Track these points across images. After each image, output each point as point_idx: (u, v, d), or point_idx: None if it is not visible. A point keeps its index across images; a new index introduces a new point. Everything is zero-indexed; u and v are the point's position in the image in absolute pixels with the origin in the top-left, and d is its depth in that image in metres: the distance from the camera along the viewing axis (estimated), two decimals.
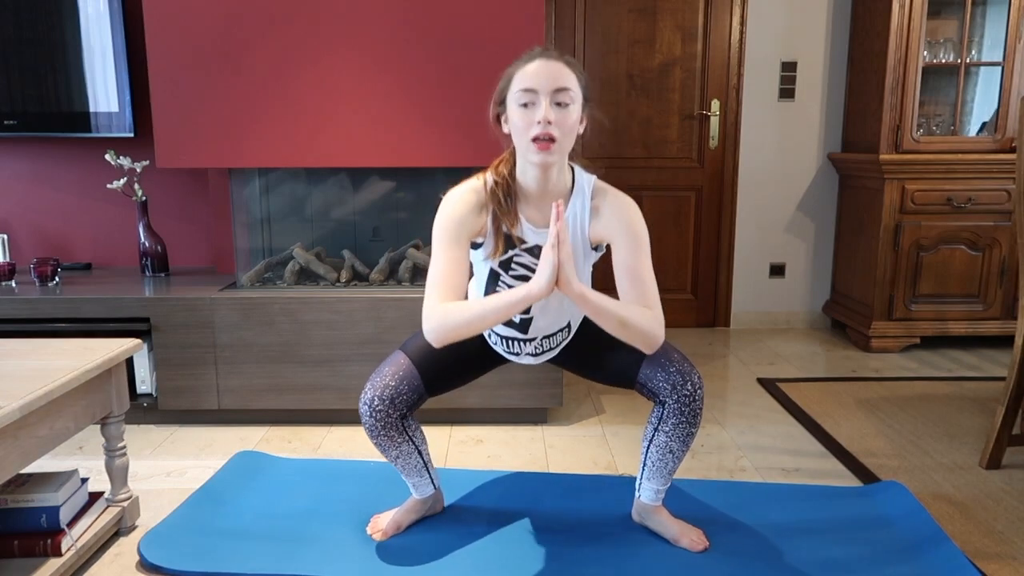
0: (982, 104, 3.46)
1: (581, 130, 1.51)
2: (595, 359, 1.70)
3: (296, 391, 2.45)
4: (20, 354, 1.67)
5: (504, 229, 1.54)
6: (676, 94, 3.68)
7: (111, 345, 1.73)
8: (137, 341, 1.79)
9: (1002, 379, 2.93)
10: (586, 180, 1.56)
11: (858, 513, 1.87)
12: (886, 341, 3.35)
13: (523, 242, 1.55)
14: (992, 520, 1.85)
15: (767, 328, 3.85)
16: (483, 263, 1.59)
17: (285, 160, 2.42)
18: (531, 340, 1.66)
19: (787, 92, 3.64)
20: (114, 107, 2.75)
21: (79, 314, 2.41)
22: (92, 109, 2.75)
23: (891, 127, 3.21)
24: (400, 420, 1.64)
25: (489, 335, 1.71)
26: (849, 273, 3.60)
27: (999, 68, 3.22)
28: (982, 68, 3.39)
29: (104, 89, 2.74)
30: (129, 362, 2.44)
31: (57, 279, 2.62)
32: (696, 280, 3.86)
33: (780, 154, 3.71)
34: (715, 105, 3.67)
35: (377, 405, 1.60)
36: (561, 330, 1.67)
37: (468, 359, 1.72)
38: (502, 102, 1.50)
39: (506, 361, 1.76)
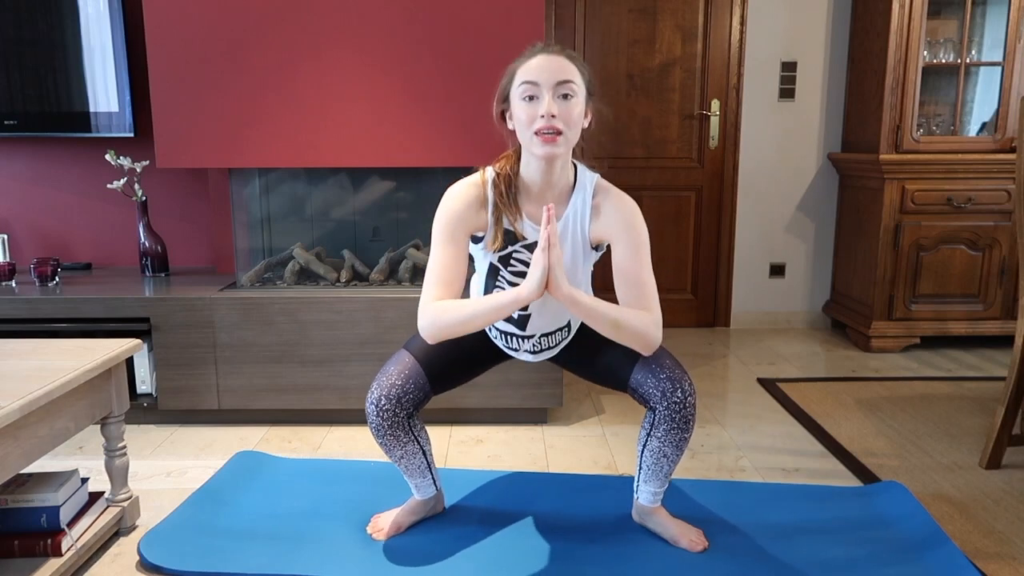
0: (982, 104, 3.46)
1: (586, 124, 1.52)
2: (589, 358, 1.70)
3: (296, 391, 2.45)
4: (20, 354, 1.66)
5: (505, 223, 1.54)
6: (676, 94, 3.68)
7: (111, 345, 1.73)
8: (137, 341, 1.79)
9: (1002, 379, 2.93)
10: (588, 178, 1.56)
11: (858, 513, 1.87)
12: (886, 341, 3.35)
13: (523, 238, 1.55)
14: (992, 520, 1.85)
15: (767, 328, 3.85)
16: (483, 257, 1.59)
17: (285, 160, 2.42)
18: (529, 337, 1.66)
19: (787, 92, 3.64)
20: (114, 107, 2.75)
21: (79, 314, 2.41)
22: (92, 109, 2.75)
23: (891, 127, 3.21)
24: (407, 419, 1.64)
25: (490, 329, 1.71)
26: (849, 273, 3.60)
27: (999, 68, 3.22)
28: (982, 68, 3.39)
29: (104, 89, 2.74)
30: (129, 362, 2.44)
31: (57, 279, 2.62)
32: (696, 280, 3.86)
33: (780, 154, 3.71)
34: (715, 105, 3.67)
35: (384, 405, 1.60)
36: (560, 329, 1.67)
37: (471, 355, 1.73)
38: (506, 99, 1.51)
39: (508, 357, 1.76)
